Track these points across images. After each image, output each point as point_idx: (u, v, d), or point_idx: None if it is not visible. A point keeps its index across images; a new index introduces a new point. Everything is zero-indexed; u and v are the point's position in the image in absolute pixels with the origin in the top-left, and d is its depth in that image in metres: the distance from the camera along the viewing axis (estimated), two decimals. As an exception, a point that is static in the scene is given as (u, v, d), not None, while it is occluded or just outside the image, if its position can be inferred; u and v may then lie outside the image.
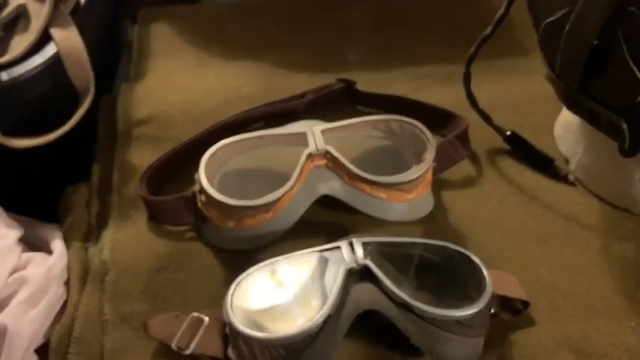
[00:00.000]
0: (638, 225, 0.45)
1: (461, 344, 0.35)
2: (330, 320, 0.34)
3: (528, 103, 0.54)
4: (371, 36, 0.61)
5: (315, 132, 0.42)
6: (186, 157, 0.47)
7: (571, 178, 0.48)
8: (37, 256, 0.40)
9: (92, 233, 0.44)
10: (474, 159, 0.49)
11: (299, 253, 0.37)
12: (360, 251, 0.36)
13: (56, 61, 0.45)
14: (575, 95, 0.41)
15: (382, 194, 0.42)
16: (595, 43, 0.37)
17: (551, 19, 0.40)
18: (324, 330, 0.34)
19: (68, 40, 0.45)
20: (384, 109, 0.51)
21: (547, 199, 0.47)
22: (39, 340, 0.37)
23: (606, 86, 0.39)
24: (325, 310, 0.34)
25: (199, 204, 0.42)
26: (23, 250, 0.40)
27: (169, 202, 0.43)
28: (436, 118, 0.50)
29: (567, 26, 0.38)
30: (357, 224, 0.43)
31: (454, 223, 0.45)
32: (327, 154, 0.41)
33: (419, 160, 0.44)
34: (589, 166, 0.47)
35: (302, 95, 0.52)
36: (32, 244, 0.43)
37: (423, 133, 0.44)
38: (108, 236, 0.43)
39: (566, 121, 0.50)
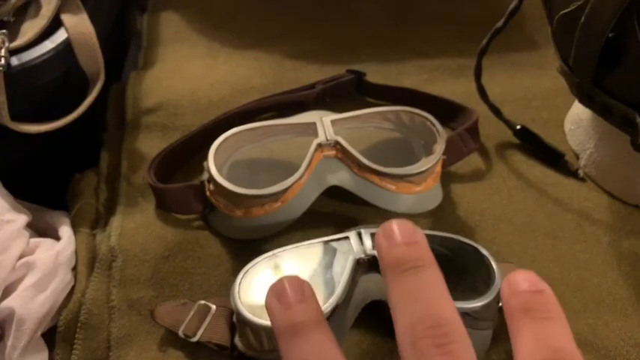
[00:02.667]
0: (648, 221, 0.44)
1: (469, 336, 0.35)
2: (337, 310, 0.34)
3: (539, 97, 0.54)
4: (383, 27, 0.61)
5: (324, 122, 0.42)
6: (195, 145, 0.47)
7: (581, 173, 0.48)
8: (45, 242, 0.40)
9: (100, 220, 0.45)
10: (484, 152, 0.49)
11: (307, 243, 0.37)
12: (368, 242, 0.36)
13: (66, 46, 0.44)
14: (588, 89, 0.41)
15: (391, 186, 0.42)
16: (610, 35, 0.37)
17: (566, 10, 0.39)
18: (331, 320, 0.34)
19: (79, 26, 0.45)
20: (394, 101, 0.51)
21: (557, 194, 0.46)
22: (46, 325, 0.38)
23: (621, 79, 0.39)
24: (333, 300, 0.34)
25: (208, 193, 0.42)
26: (31, 236, 0.40)
27: (178, 190, 0.43)
28: (446, 111, 0.50)
29: (582, 18, 0.38)
30: (366, 215, 0.43)
31: (463, 216, 0.45)
32: (336, 145, 0.41)
33: (428, 152, 0.44)
34: (599, 162, 0.47)
35: (312, 86, 0.52)
36: (40, 230, 0.43)
37: (434, 126, 0.44)
38: (116, 223, 0.43)
39: (577, 116, 0.50)
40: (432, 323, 0.22)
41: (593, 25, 0.38)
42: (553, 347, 0.22)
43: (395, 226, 0.24)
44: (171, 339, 0.37)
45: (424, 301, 0.23)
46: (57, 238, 0.41)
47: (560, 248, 0.43)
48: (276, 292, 0.24)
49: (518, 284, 0.24)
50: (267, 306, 0.25)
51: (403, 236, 0.24)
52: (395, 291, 0.23)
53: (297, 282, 0.25)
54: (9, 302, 0.36)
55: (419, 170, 0.42)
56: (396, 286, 0.23)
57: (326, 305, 0.33)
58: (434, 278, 0.23)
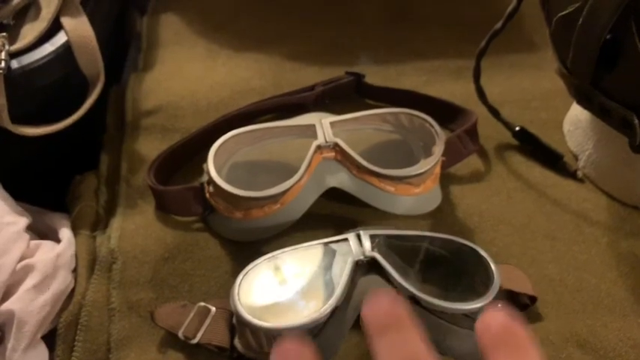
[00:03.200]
0: (646, 222, 0.45)
1: (467, 337, 0.35)
2: (337, 312, 0.34)
3: (538, 98, 0.54)
4: (382, 29, 0.61)
5: (324, 124, 0.42)
6: (195, 147, 0.47)
7: (580, 174, 0.48)
8: (46, 244, 0.40)
9: (100, 222, 0.45)
10: (483, 154, 0.49)
11: (306, 244, 0.37)
12: (367, 243, 0.36)
13: (66, 49, 0.45)
14: (586, 90, 0.41)
15: (390, 187, 0.42)
16: (608, 37, 0.37)
17: (564, 12, 0.40)
18: (330, 321, 0.34)
19: (78, 29, 0.45)
20: (393, 102, 0.51)
21: (555, 195, 0.46)
22: (46, 327, 0.38)
23: (619, 81, 0.39)
24: (332, 302, 0.34)
25: (207, 195, 0.42)
26: (32, 238, 0.40)
27: (177, 192, 0.43)
28: (445, 113, 0.50)
29: (580, 20, 0.38)
30: (365, 217, 0.43)
31: (462, 217, 0.45)
32: (335, 147, 0.41)
33: (427, 154, 0.44)
34: (598, 163, 0.47)
35: (311, 88, 0.52)
36: (41, 232, 0.43)
37: (432, 127, 0.44)
38: (116, 225, 0.43)
39: (576, 117, 0.50)
40: None
41: (590, 27, 0.38)
42: None
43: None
44: (171, 341, 0.37)
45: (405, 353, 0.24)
46: (57, 240, 0.42)
47: (559, 249, 0.43)
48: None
49: (489, 322, 0.25)
50: None
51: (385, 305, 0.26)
52: (376, 348, 0.25)
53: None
54: (9, 304, 0.36)
55: (418, 172, 0.42)
56: (378, 345, 0.25)
57: (325, 307, 0.34)
58: (415, 336, 0.25)
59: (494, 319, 0.25)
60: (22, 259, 0.38)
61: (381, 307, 0.25)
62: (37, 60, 0.44)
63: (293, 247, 0.37)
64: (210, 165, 0.41)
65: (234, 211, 0.41)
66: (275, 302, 0.35)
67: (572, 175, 0.48)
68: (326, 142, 0.41)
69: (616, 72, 0.38)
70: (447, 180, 0.47)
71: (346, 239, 0.36)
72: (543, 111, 0.53)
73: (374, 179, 0.41)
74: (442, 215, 0.45)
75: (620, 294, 0.40)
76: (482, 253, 0.37)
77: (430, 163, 0.42)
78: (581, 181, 0.48)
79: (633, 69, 0.37)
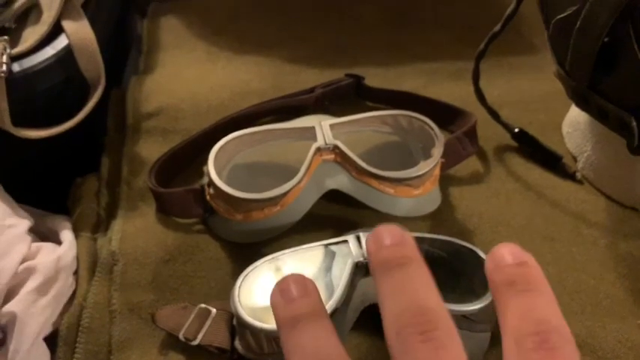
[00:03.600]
0: (645, 223, 0.45)
1: (466, 339, 0.35)
2: (336, 313, 0.35)
3: (537, 100, 0.54)
4: (381, 31, 0.61)
5: (323, 126, 0.43)
6: (195, 150, 0.48)
7: (578, 175, 0.48)
8: (47, 246, 0.41)
9: (101, 224, 0.45)
10: (482, 155, 0.50)
11: (306, 246, 0.37)
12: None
13: (67, 52, 0.45)
14: (584, 92, 0.41)
15: (390, 189, 0.42)
16: (605, 40, 0.37)
17: (562, 15, 0.40)
18: (330, 322, 0.34)
19: (79, 32, 0.45)
20: (393, 104, 0.51)
21: (554, 197, 0.47)
22: (48, 329, 0.38)
23: (616, 83, 0.39)
24: (332, 304, 0.34)
25: (208, 197, 0.42)
26: (33, 240, 0.41)
27: (178, 195, 0.43)
28: (444, 115, 0.50)
29: (578, 23, 0.38)
30: (365, 219, 0.44)
31: (461, 219, 0.45)
32: (335, 149, 0.42)
33: (427, 155, 0.44)
34: (597, 164, 0.47)
35: (311, 90, 0.52)
36: (42, 234, 0.43)
37: (432, 129, 0.44)
38: (117, 227, 0.44)
39: (575, 119, 0.50)
40: (416, 312, 0.23)
41: (588, 29, 0.38)
42: (536, 320, 0.22)
43: (383, 230, 0.25)
44: (172, 342, 0.37)
45: (409, 293, 0.23)
46: (58, 242, 0.42)
47: (558, 250, 0.43)
48: (280, 288, 0.25)
49: (501, 258, 0.24)
50: (271, 301, 0.25)
51: (390, 239, 0.25)
52: (382, 288, 0.24)
53: (300, 278, 0.26)
54: (11, 306, 0.36)
55: (417, 174, 0.42)
56: (383, 284, 0.24)
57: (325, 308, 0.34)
58: (418, 272, 0.24)
59: (506, 254, 0.23)
60: (23, 261, 0.38)
61: (385, 242, 0.24)
62: (39, 63, 0.44)
63: (293, 249, 0.37)
64: (211, 167, 0.41)
65: (235, 213, 0.41)
66: (275, 304, 0.35)
67: (571, 176, 0.48)
68: (326, 144, 0.42)
69: (614, 74, 0.39)
70: (446, 182, 0.47)
71: (346, 241, 0.36)
72: (542, 113, 0.53)
73: (373, 181, 0.42)
74: (441, 217, 0.45)
75: (619, 295, 0.40)
76: (482, 254, 0.37)
77: (429, 165, 0.42)
78: (580, 182, 0.48)
79: (631, 71, 0.37)
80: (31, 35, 0.44)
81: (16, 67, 0.43)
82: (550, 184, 0.48)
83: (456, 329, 0.23)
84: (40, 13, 0.45)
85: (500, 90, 0.54)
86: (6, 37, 0.42)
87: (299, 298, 0.25)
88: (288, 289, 0.25)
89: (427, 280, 0.24)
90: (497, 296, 0.24)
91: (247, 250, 0.41)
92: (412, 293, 0.23)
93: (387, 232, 0.25)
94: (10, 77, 0.42)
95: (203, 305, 0.37)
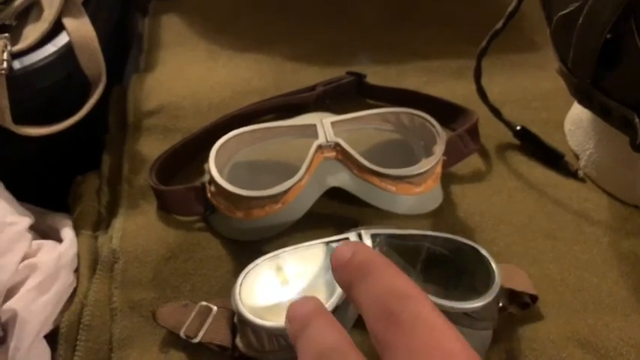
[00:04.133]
0: (647, 221, 0.45)
1: (468, 337, 0.34)
2: (338, 311, 0.34)
3: (539, 98, 0.54)
4: (382, 29, 0.61)
5: (325, 124, 0.42)
6: (196, 147, 0.48)
7: (581, 173, 0.48)
8: (48, 244, 0.41)
9: (102, 222, 0.45)
10: (484, 153, 0.49)
11: (307, 244, 0.37)
12: (368, 243, 0.36)
13: (68, 50, 0.45)
14: (587, 89, 0.41)
15: (391, 187, 0.42)
16: (608, 36, 0.37)
17: (564, 12, 0.40)
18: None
19: (80, 29, 0.45)
20: (394, 102, 0.51)
21: (556, 195, 0.46)
22: (48, 327, 0.38)
23: (619, 80, 0.39)
24: (334, 301, 0.34)
25: (209, 194, 0.42)
26: (34, 238, 0.41)
27: (179, 192, 0.43)
28: (446, 112, 0.50)
29: (580, 19, 0.38)
30: (366, 217, 0.44)
31: (463, 217, 0.45)
32: (336, 146, 0.41)
33: (428, 153, 0.44)
34: (599, 162, 0.47)
35: (312, 88, 0.52)
36: (43, 232, 0.43)
37: (433, 127, 0.44)
38: (117, 225, 0.43)
39: (577, 116, 0.50)
40: (393, 294, 0.23)
41: (591, 26, 0.38)
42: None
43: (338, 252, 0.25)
44: (173, 340, 0.37)
45: (380, 282, 0.23)
46: (59, 240, 0.42)
47: (560, 249, 0.43)
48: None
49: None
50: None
51: (347, 254, 0.25)
52: (353, 295, 0.24)
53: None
54: (12, 304, 0.36)
55: (419, 171, 0.42)
56: (355, 292, 0.24)
57: (326, 306, 0.34)
58: (382, 266, 0.24)
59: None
60: (24, 259, 0.38)
61: (345, 257, 0.25)
62: (39, 60, 0.44)
63: (294, 247, 0.37)
64: (212, 165, 0.41)
65: (236, 211, 0.41)
66: (276, 301, 0.35)
67: (573, 174, 0.48)
68: (327, 141, 0.41)
69: (616, 71, 0.38)
70: (447, 179, 0.47)
71: (347, 238, 0.36)
72: (544, 110, 0.53)
73: (375, 179, 0.41)
74: (443, 215, 0.45)
75: (622, 293, 0.40)
76: (484, 252, 0.37)
77: (431, 163, 0.42)
78: (582, 180, 0.48)
79: (634, 68, 0.37)
80: (31, 33, 0.44)
81: (16, 64, 0.43)
82: (552, 182, 0.47)
83: (431, 303, 0.23)
84: (40, 10, 0.45)
85: (502, 88, 0.53)
86: (7, 35, 0.42)
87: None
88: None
89: (392, 268, 0.24)
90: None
91: (248, 248, 0.41)
92: (384, 281, 0.24)
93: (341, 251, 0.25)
94: (11, 75, 0.42)
95: (204, 303, 0.37)
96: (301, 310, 0.24)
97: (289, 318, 0.25)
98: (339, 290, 0.34)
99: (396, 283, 0.23)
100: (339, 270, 0.25)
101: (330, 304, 0.34)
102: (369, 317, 0.23)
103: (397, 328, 0.22)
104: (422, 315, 0.22)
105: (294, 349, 0.24)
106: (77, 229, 0.43)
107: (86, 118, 0.45)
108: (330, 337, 0.23)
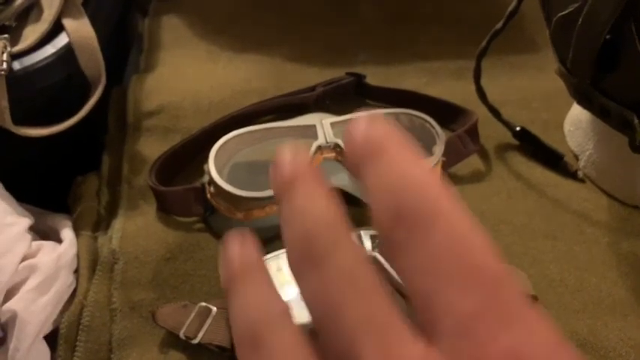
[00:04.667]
0: (647, 222, 0.45)
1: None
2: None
3: (539, 99, 0.54)
4: (382, 30, 0.61)
5: (324, 124, 0.42)
6: (196, 148, 0.48)
7: (580, 174, 0.48)
8: (47, 245, 0.41)
9: (101, 223, 0.45)
10: (483, 154, 0.49)
11: (307, 244, 0.37)
12: (368, 244, 0.36)
13: (68, 51, 0.45)
14: (586, 90, 0.41)
15: (391, 187, 0.42)
16: (607, 37, 0.37)
17: (564, 12, 0.40)
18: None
19: (80, 30, 0.45)
20: (394, 103, 0.51)
21: (556, 195, 0.46)
22: (48, 327, 0.38)
23: (618, 81, 0.39)
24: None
25: (208, 195, 0.42)
26: (33, 239, 0.41)
27: (179, 193, 0.43)
28: (446, 113, 0.50)
29: (579, 20, 0.38)
30: (366, 217, 0.43)
31: (462, 217, 0.45)
32: (336, 147, 0.41)
33: (428, 154, 0.44)
34: (599, 163, 0.47)
35: (312, 88, 0.52)
36: (42, 233, 0.43)
37: (433, 128, 0.44)
38: (117, 226, 0.43)
39: (577, 117, 0.50)
40: (409, 183, 0.18)
41: (590, 27, 0.38)
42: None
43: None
44: (173, 341, 0.37)
45: (394, 167, 0.18)
46: (59, 240, 0.42)
47: (560, 249, 0.43)
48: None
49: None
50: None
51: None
52: (361, 179, 0.19)
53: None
54: (11, 305, 0.36)
55: (418, 172, 0.42)
56: (363, 176, 0.19)
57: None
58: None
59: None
60: (24, 259, 0.38)
61: (359, 131, 0.19)
62: (39, 61, 0.44)
63: (294, 247, 0.37)
64: (211, 165, 0.41)
65: (235, 212, 0.41)
66: (276, 302, 0.35)
67: (572, 175, 0.48)
68: (327, 142, 0.41)
69: (616, 72, 0.38)
70: (447, 180, 0.47)
71: (347, 239, 0.36)
72: (544, 111, 0.53)
73: (374, 179, 0.41)
74: (443, 215, 0.45)
75: (621, 294, 0.40)
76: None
77: (431, 164, 0.42)
78: (581, 181, 0.48)
79: (633, 69, 0.37)
80: (31, 33, 0.44)
81: (16, 65, 0.43)
82: (552, 183, 0.47)
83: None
84: (40, 11, 0.45)
85: (501, 88, 0.53)
86: (6, 36, 0.42)
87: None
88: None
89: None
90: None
91: (248, 249, 0.41)
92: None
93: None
94: (11, 75, 0.42)
95: (203, 304, 0.37)
96: (286, 167, 0.20)
97: (272, 174, 0.20)
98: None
99: (412, 170, 0.18)
100: (349, 146, 0.19)
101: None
102: (378, 210, 0.18)
103: (411, 227, 0.17)
104: (444, 213, 0.17)
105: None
106: (77, 229, 0.43)
107: (86, 118, 0.45)
108: (318, 209, 0.18)
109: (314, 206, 0.19)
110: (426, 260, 0.17)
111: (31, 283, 0.37)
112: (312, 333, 0.33)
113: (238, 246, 0.20)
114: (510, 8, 0.46)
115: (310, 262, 0.18)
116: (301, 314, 0.34)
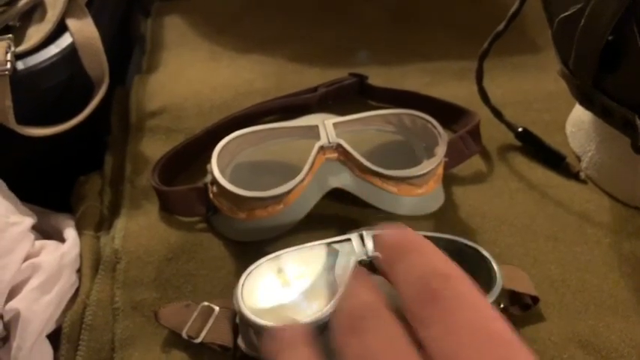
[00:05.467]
0: (649, 223, 0.45)
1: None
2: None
3: (541, 100, 0.54)
4: (384, 31, 0.61)
5: (327, 125, 0.43)
6: (199, 148, 0.48)
7: (582, 175, 0.48)
8: (50, 244, 0.41)
9: (104, 222, 0.45)
10: (485, 155, 0.49)
11: (309, 244, 0.37)
12: (370, 244, 0.36)
13: (72, 51, 0.45)
14: (588, 91, 0.41)
15: (393, 188, 0.42)
16: (610, 38, 0.37)
17: (566, 14, 0.40)
18: (333, 321, 0.34)
19: (84, 30, 0.45)
20: (396, 103, 0.51)
21: (558, 196, 0.47)
22: (51, 326, 0.38)
23: (620, 82, 0.39)
24: (335, 302, 0.34)
25: (211, 195, 0.42)
26: (36, 238, 0.41)
27: (181, 193, 0.43)
28: (448, 114, 0.50)
29: (582, 21, 0.38)
30: (368, 217, 0.44)
31: (464, 218, 0.45)
32: (338, 147, 0.42)
33: (430, 154, 0.44)
34: (600, 164, 0.47)
35: (314, 89, 0.52)
36: (45, 232, 0.43)
37: (435, 128, 0.44)
38: (120, 225, 0.44)
39: (579, 118, 0.50)
40: (435, 273, 0.23)
41: (592, 28, 0.38)
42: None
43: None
44: (175, 340, 0.37)
45: (421, 261, 0.24)
46: (62, 240, 0.42)
47: (562, 250, 0.43)
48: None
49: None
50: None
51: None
52: (393, 274, 0.24)
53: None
54: (14, 304, 0.36)
55: (420, 173, 0.42)
56: (394, 272, 0.24)
57: (328, 307, 0.34)
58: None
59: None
60: (27, 258, 0.39)
61: (391, 239, 0.25)
62: (43, 61, 0.44)
63: (296, 247, 0.37)
64: (214, 165, 0.41)
65: (238, 212, 0.41)
66: (278, 302, 0.35)
67: (574, 176, 0.48)
68: (329, 142, 0.42)
69: (618, 73, 0.39)
70: (449, 181, 0.47)
71: (349, 239, 0.36)
72: (546, 112, 0.53)
73: (376, 180, 0.42)
74: (445, 216, 0.45)
75: (623, 295, 0.40)
76: (485, 253, 0.37)
77: (433, 164, 0.42)
78: (583, 182, 0.48)
79: (635, 70, 0.37)
80: (35, 33, 0.44)
81: (20, 65, 0.43)
82: (553, 184, 0.47)
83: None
84: (44, 11, 0.45)
85: (503, 89, 0.54)
86: (10, 36, 0.43)
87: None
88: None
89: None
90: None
91: (250, 249, 0.41)
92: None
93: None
94: (15, 75, 0.42)
95: (206, 303, 0.37)
96: (282, 333, 0.24)
97: (270, 338, 0.25)
98: (341, 290, 0.34)
99: (437, 264, 0.23)
100: (385, 250, 0.25)
101: (331, 305, 0.34)
102: (408, 295, 0.22)
103: (437, 304, 0.21)
104: (463, 293, 0.22)
105: None
106: (80, 229, 0.43)
107: (89, 118, 0.46)
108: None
109: None
110: (449, 328, 0.21)
111: (33, 282, 0.37)
112: (319, 329, 0.33)
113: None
114: (512, 10, 0.46)
115: None
116: (303, 313, 0.34)
